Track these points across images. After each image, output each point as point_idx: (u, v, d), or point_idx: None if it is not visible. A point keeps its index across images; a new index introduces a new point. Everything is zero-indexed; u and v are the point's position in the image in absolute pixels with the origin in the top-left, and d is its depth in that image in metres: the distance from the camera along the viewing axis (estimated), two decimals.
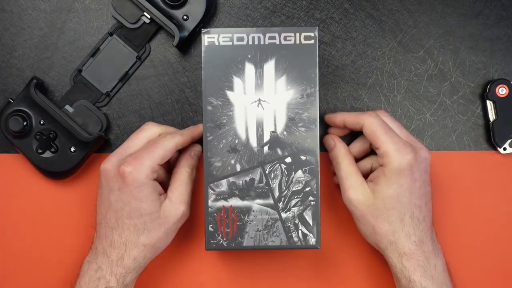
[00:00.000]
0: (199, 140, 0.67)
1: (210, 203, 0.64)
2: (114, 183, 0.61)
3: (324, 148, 0.72)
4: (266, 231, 0.64)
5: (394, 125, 0.66)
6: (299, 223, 0.64)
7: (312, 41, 0.64)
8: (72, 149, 0.70)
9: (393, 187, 0.61)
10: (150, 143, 0.64)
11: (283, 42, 0.64)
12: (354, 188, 0.63)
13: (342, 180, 0.65)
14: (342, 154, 0.66)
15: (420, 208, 0.63)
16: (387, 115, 0.66)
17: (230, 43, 0.64)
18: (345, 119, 0.66)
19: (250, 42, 0.64)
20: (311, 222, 0.64)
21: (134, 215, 0.61)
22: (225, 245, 0.64)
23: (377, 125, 0.63)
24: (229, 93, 0.64)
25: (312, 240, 0.64)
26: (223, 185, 0.64)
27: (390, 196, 0.61)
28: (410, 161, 0.61)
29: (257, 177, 0.64)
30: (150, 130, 0.66)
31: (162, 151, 0.62)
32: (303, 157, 0.64)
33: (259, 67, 0.64)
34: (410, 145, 0.63)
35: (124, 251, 0.62)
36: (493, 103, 0.72)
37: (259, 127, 0.64)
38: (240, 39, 0.64)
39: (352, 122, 0.65)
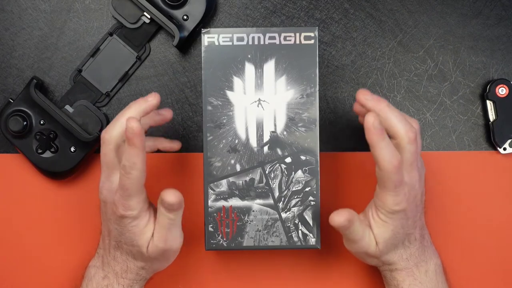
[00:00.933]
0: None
1: (210, 203, 0.64)
2: (111, 217, 0.61)
3: (324, 148, 0.72)
4: (266, 231, 0.64)
5: (416, 150, 0.61)
6: (299, 223, 0.64)
7: (312, 41, 0.64)
8: (72, 149, 0.70)
9: (389, 229, 0.61)
10: (119, 182, 0.59)
11: (283, 42, 0.64)
12: (368, 245, 0.62)
13: (353, 240, 0.62)
14: (356, 225, 0.61)
15: (411, 234, 0.63)
16: (418, 136, 0.61)
17: (230, 43, 0.64)
18: (372, 145, 0.58)
19: (250, 42, 0.64)
20: (311, 222, 0.64)
21: (129, 243, 0.61)
22: (225, 245, 0.64)
23: (391, 180, 0.58)
24: (229, 93, 0.64)
25: (312, 240, 0.64)
26: (223, 185, 0.64)
27: (388, 238, 0.61)
28: (403, 209, 0.60)
29: (257, 177, 0.64)
30: (109, 150, 0.60)
31: (134, 188, 0.58)
32: (303, 157, 0.64)
33: (259, 67, 0.64)
34: (407, 192, 0.60)
35: (127, 267, 0.63)
36: (493, 103, 0.72)
37: (259, 127, 0.64)
38: (240, 39, 0.64)
39: (373, 155, 0.58)
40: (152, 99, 0.61)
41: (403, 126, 0.59)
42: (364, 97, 0.60)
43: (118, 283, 0.63)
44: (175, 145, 0.69)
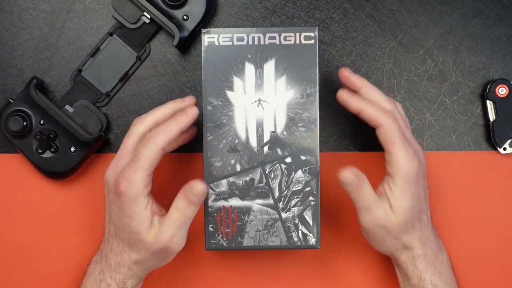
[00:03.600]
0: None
1: (210, 203, 0.64)
2: (112, 197, 0.61)
3: (324, 148, 0.72)
4: (266, 231, 0.64)
5: (404, 124, 0.64)
6: (299, 223, 0.64)
7: (312, 41, 0.64)
8: (72, 149, 0.70)
9: (407, 198, 0.61)
10: (135, 152, 0.60)
11: (283, 42, 0.64)
12: (386, 213, 0.61)
13: (366, 208, 0.61)
14: (366, 187, 0.61)
15: (424, 210, 0.64)
16: (402, 112, 0.65)
17: (230, 43, 0.64)
18: (361, 109, 0.61)
19: (250, 42, 0.64)
20: (311, 222, 0.64)
21: (126, 230, 0.61)
22: (225, 245, 0.64)
23: (395, 131, 0.61)
24: (229, 93, 0.64)
25: (312, 240, 0.64)
26: (223, 185, 0.64)
27: (407, 208, 0.61)
28: (416, 169, 0.61)
29: (257, 177, 0.64)
30: (136, 133, 0.62)
31: (146, 161, 0.59)
32: (303, 157, 0.64)
33: (259, 67, 0.64)
34: (415, 151, 0.62)
35: (121, 259, 0.62)
36: (493, 103, 0.72)
37: (259, 127, 0.64)
38: (240, 39, 0.64)
39: (368, 117, 0.61)
40: (189, 100, 0.63)
41: (384, 99, 0.63)
42: (348, 73, 0.64)
43: (111, 277, 0.62)
44: (191, 131, 0.69)
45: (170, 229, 0.60)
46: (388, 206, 0.61)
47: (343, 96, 0.62)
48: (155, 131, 0.60)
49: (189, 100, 0.63)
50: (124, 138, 0.63)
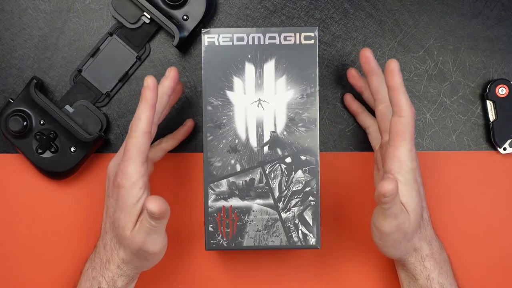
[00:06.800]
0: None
1: (210, 203, 0.64)
2: (110, 190, 0.62)
3: (324, 148, 0.72)
4: (266, 231, 0.64)
5: None
6: (299, 223, 0.64)
7: (312, 41, 0.64)
8: (72, 149, 0.70)
9: (413, 194, 0.60)
10: (125, 145, 0.60)
11: (283, 42, 0.64)
12: (405, 217, 0.59)
13: (394, 215, 0.58)
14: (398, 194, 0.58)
15: (425, 208, 0.64)
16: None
17: (230, 43, 0.64)
18: (398, 88, 0.59)
19: (250, 42, 0.64)
20: (311, 222, 0.64)
21: (116, 224, 0.61)
22: (225, 245, 0.64)
23: (411, 127, 0.59)
24: (229, 93, 0.64)
25: (312, 240, 0.64)
26: (223, 185, 0.64)
27: (416, 204, 0.60)
28: (415, 168, 0.60)
29: (257, 177, 0.64)
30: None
31: (134, 151, 0.59)
32: (303, 157, 0.64)
33: (259, 67, 0.64)
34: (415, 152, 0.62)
35: (111, 256, 0.62)
36: (493, 103, 0.72)
37: (259, 127, 0.64)
38: (240, 39, 0.64)
39: (399, 100, 0.58)
40: (170, 71, 0.63)
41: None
42: (370, 54, 0.63)
43: (102, 275, 0.62)
44: (188, 124, 0.71)
45: (141, 232, 0.59)
46: (403, 206, 0.59)
47: (392, 65, 0.59)
48: (132, 120, 0.60)
49: (169, 71, 0.63)
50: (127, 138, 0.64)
